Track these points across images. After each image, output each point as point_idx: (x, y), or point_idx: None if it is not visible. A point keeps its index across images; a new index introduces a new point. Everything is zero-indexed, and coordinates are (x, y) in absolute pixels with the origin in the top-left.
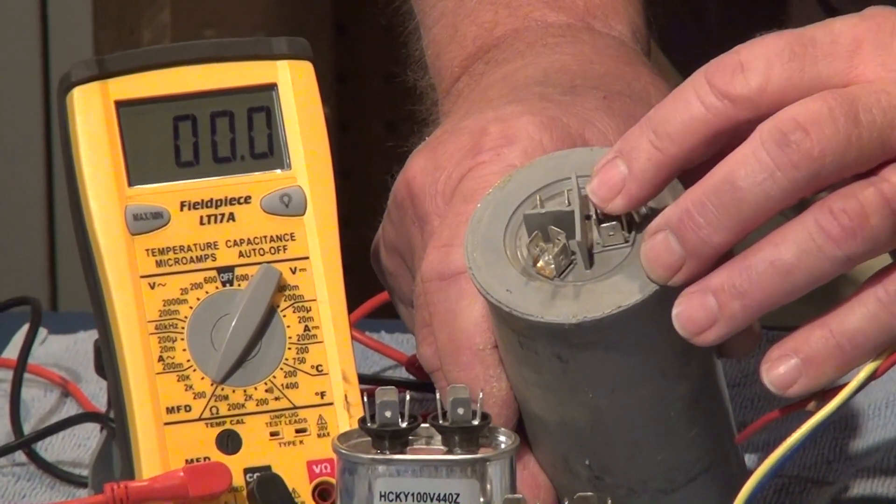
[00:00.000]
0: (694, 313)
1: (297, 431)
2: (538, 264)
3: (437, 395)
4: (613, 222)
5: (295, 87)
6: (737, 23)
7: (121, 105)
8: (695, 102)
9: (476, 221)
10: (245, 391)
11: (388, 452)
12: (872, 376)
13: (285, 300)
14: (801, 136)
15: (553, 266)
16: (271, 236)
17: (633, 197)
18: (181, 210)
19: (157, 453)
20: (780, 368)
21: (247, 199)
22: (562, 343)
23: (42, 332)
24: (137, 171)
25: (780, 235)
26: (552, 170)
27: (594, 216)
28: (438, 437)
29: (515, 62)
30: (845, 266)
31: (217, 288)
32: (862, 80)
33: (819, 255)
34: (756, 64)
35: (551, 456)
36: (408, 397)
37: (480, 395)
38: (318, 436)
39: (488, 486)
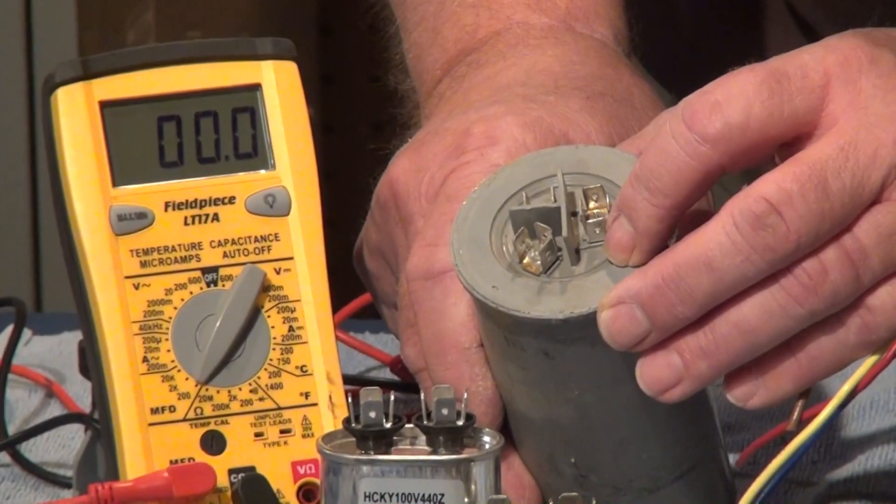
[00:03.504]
0: (659, 373)
1: (282, 432)
2: (524, 261)
3: (422, 396)
4: (599, 219)
5: (279, 87)
6: (708, 25)
7: (105, 105)
8: (677, 151)
9: (462, 219)
10: (229, 392)
11: (372, 453)
12: (855, 390)
13: (270, 301)
14: (776, 220)
15: (539, 262)
16: (256, 237)
17: (648, 251)
18: (165, 210)
19: (141, 454)
20: (740, 381)
21: (231, 200)
22: (548, 339)
23: (26, 332)
24: (122, 171)
25: (742, 294)
26: (538, 167)
27: (580, 212)
28: (423, 438)
29: (497, 64)
30: (809, 321)
31: (201, 288)
32: (831, 120)
33: (781, 313)
34: (735, 103)
35: (536, 455)
36: (392, 398)
37: (465, 396)
38: (303, 436)
39: (473, 487)
